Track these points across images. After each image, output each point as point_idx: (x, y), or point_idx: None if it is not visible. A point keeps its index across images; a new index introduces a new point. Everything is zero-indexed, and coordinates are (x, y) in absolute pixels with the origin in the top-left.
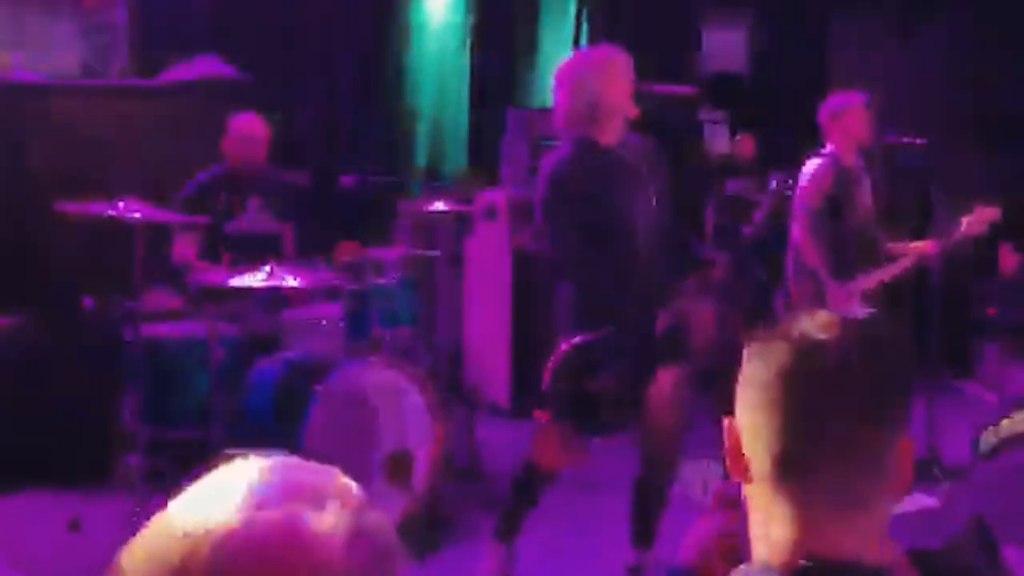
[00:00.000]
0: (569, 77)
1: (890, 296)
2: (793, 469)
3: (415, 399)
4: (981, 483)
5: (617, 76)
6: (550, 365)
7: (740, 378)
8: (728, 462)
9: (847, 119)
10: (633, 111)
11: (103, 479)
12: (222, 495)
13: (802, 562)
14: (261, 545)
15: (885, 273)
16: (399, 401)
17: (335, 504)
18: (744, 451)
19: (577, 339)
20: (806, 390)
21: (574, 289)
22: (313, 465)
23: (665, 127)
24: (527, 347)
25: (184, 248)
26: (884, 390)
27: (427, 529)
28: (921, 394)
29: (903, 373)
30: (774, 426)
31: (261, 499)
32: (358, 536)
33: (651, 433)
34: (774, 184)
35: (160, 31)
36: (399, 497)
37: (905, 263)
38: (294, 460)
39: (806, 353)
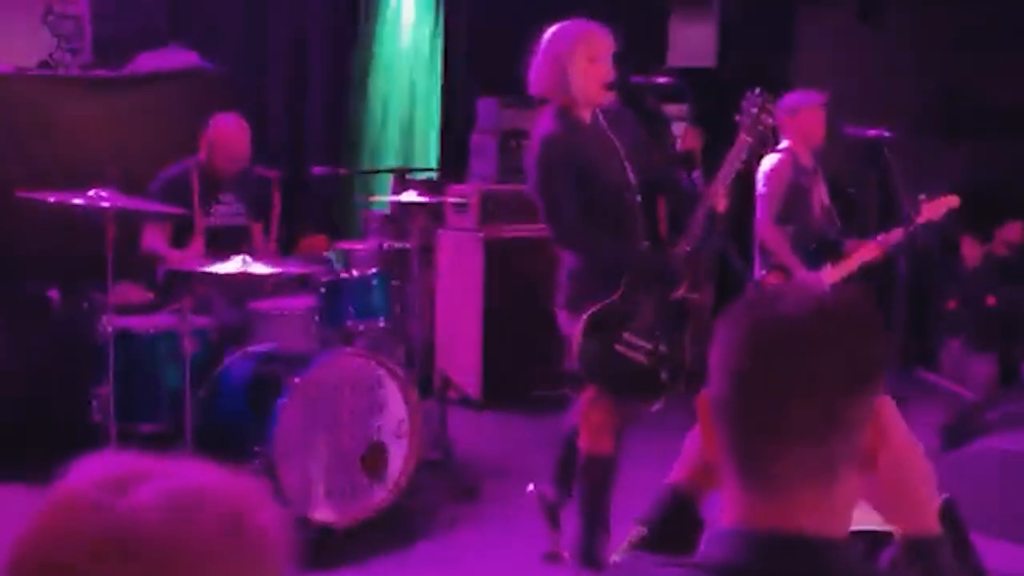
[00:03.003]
0: (546, 49)
1: (854, 288)
2: (754, 442)
3: (393, 393)
4: (945, 472)
5: (590, 54)
6: (575, 339)
7: (711, 350)
8: (701, 434)
9: (802, 118)
10: (603, 93)
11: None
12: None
13: (762, 533)
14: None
15: (850, 264)
16: (377, 394)
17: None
18: (713, 423)
19: (593, 307)
20: (768, 363)
21: (579, 257)
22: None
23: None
24: (499, 339)
25: (153, 239)
26: (856, 363)
27: (401, 521)
28: (885, 385)
29: (873, 347)
30: (737, 399)
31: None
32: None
33: None
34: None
35: (122, 21)
36: (374, 489)
37: (871, 252)
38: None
39: (770, 324)
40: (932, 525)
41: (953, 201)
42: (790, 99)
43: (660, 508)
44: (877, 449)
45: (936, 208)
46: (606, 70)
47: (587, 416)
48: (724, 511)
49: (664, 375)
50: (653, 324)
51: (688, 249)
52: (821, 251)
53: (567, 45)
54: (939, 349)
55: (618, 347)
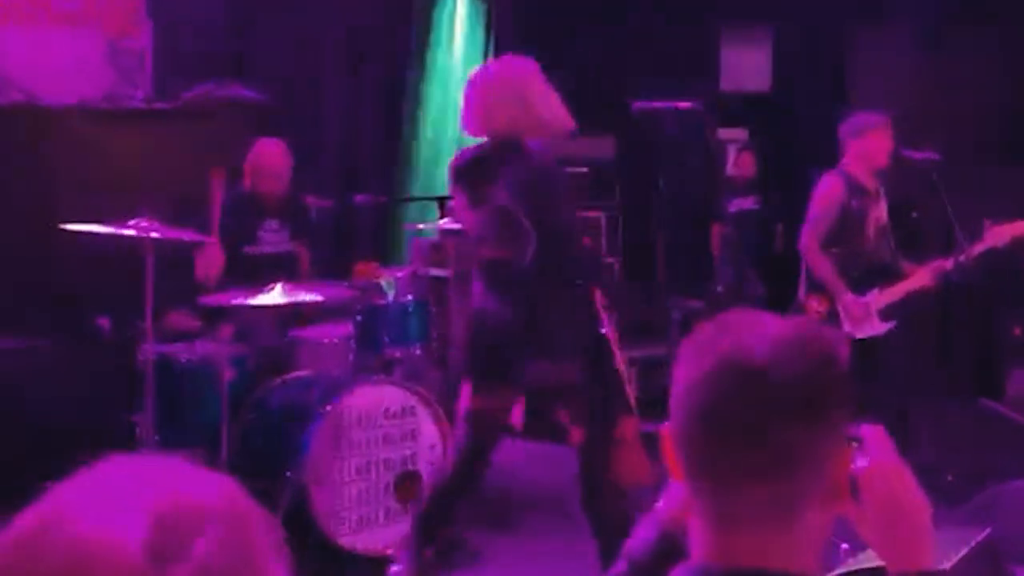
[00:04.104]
0: (501, 85)
1: (913, 314)
2: (713, 473)
3: (426, 419)
4: (999, 504)
5: (547, 87)
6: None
7: (672, 382)
8: (667, 464)
9: (868, 139)
10: (569, 125)
11: None
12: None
13: (724, 570)
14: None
15: (901, 289)
16: (410, 421)
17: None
18: (676, 453)
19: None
20: (728, 393)
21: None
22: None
23: (672, 142)
24: None
25: (207, 266)
26: (813, 398)
27: (437, 550)
28: (943, 413)
29: (830, 383)
30: (695, 427)
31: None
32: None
33: None
34: None
35: (183, 56)
36: (407, 517)
37: (921, 280)
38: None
39: (725, 361)
40: (924, 560)
41: (1021, 228)
42: (856, 119)
43: (645, 540)
44: (844, 483)
45: (1001, 235)
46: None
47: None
48: (693, 546)
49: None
50: None
51: None
52: (870, 275)
53: (526, 80)
54: (1005, 378)
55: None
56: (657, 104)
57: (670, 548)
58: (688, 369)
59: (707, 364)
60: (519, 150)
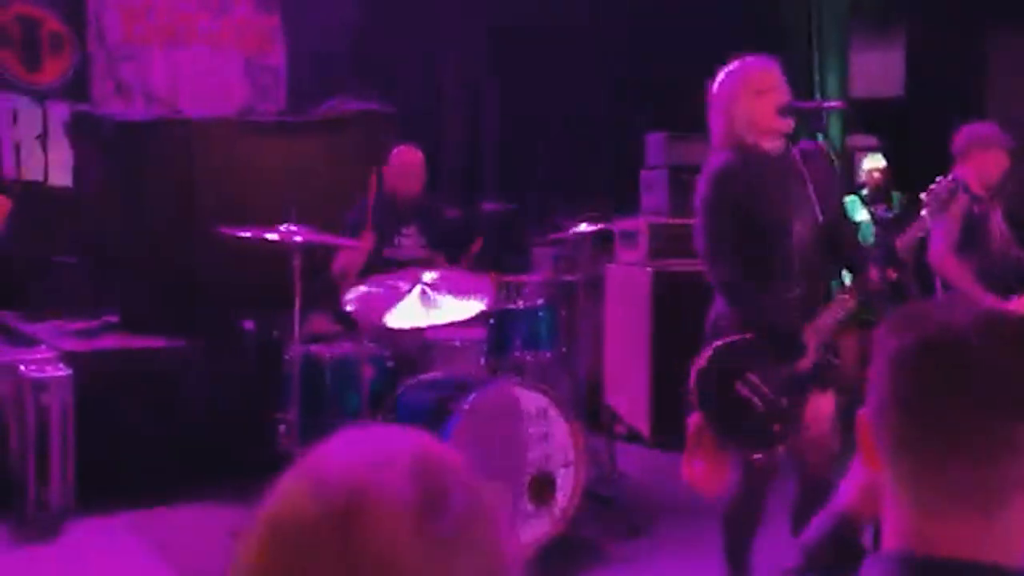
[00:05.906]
0: (719, 96)
1: None
2: (915, 457)
3: (559, 422)
4: None
5: (756, 88)
6: (695, 365)
7: (873, 357)
8: (862, 452)
9: (991, 153)
10: (778, 120)
11: (262, 494)
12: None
13: (922, 558)
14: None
15: None
16: (543, 423)
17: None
18: (872, 438)
19: (720, 342)
20: (935, 371)
21: (721, 293)
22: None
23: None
24: (668, 374)
25: (346, 261)
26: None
27: (567, 553)
28: None
29: None
30: (898, 410)
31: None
32: (426, 512)
33: (809, 458)
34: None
35: (314, 72)
36: (540, 519)
37: None
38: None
39: (936, 343)
40: None
41: None
42: (983, 130)
43: (822, 533)
44: None
45: None
46: (776, 98)
47: (695, 450)
48: (887, 535)
49: (776, 428)
50: (784, 376)
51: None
52: (1005, 280)
53: (728, 88)
54: None
55: (739, 386)
56: (800, 104)
57: (847, 540)
58: (890, 349)
59: (911, 343)
60: (720, 153)
